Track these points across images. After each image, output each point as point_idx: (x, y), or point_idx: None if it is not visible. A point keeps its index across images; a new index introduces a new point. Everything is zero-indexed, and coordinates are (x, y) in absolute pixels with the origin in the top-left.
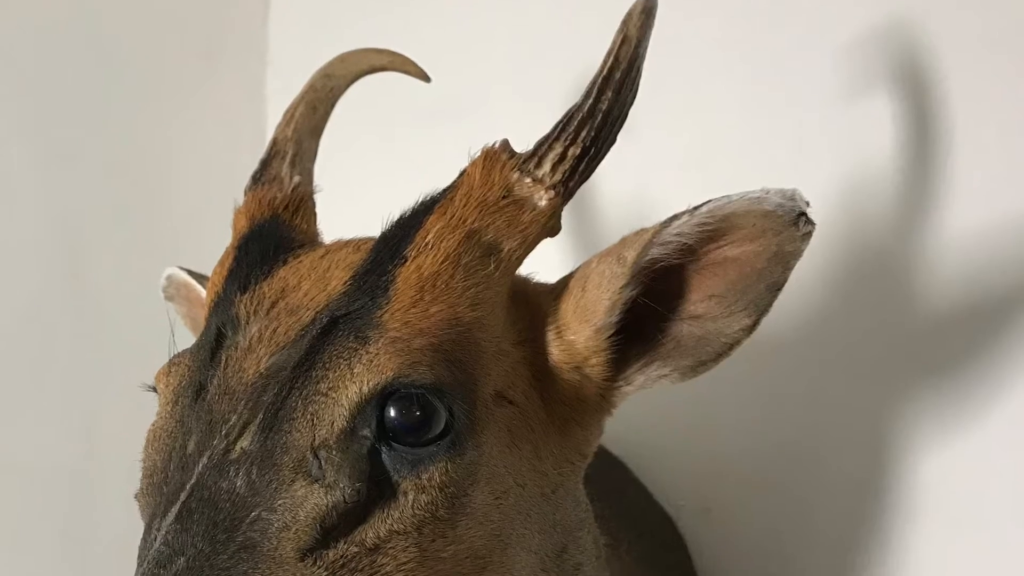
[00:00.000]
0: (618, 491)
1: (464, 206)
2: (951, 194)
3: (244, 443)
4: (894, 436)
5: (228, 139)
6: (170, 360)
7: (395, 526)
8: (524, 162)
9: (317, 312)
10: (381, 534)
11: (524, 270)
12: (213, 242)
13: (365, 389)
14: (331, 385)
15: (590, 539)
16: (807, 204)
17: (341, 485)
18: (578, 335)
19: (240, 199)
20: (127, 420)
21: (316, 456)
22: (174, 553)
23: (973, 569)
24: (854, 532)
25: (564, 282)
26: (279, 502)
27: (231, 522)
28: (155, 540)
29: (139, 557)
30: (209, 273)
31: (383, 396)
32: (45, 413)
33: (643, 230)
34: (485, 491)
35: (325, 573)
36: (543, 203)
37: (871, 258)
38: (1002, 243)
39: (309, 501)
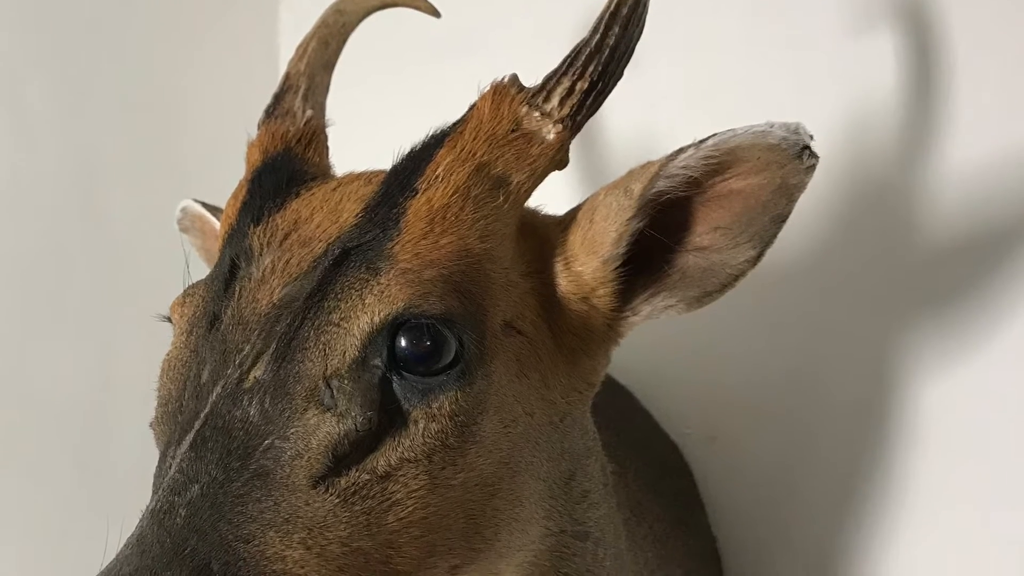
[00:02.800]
0: (625, 420)
1: (474, 139)
2: (952, 128)
3: (257, 372)
4: (896, 365)
5: (242, 73)
6: (184, 291)
7: (406, 454)
8: (533, 96)
9: (329, 244)
10: (392, 462)
11: (532, 203)
12: (227, 175)
13: (376, 319)
14: (343, 315)
15: (597, 467)
16: (811, 137)
17: (353, 414)
18: (586, 266)
19: (253, 133)
20: (142, 350)
21: (328, 385)
22: (188, 481)
23: (974, 495)
24: (857, 460)
25: (572, 214)
26: (292, 430)
27: (245, 450)
28: (170, 468)
29: (154, 485)
30: (223, 206)
31: (394, 326)
32: (61, 344)
33: (650, 163)
34: (494, 419)
35: (337, 500)
36: (551, 136)
37: (873, 190)
38: (1002, 175)
39: (321, 429)
